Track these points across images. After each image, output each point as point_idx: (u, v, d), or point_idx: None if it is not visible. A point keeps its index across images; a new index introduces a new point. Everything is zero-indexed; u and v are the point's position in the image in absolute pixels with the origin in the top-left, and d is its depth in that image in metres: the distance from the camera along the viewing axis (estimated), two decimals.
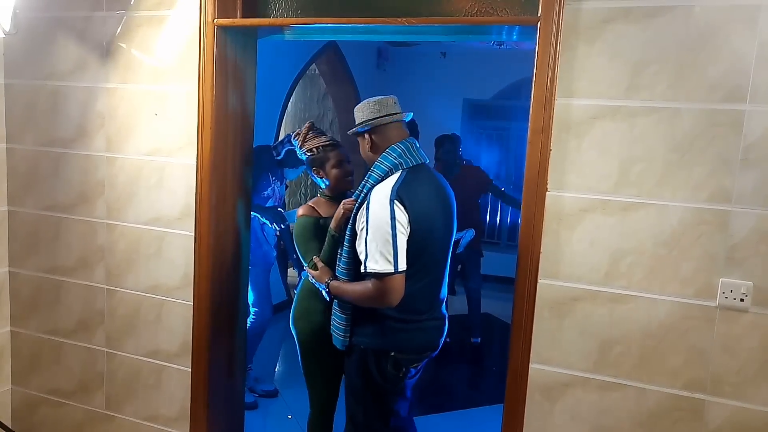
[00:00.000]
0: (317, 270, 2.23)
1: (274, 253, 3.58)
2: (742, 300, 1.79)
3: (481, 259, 4.51)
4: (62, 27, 2.53)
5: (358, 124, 2.17)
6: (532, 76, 1.91)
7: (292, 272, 5.95)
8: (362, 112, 2.15)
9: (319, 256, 2.26)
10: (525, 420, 2.04)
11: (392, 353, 2.12)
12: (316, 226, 2.33)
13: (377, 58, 6.46)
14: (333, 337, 2.23)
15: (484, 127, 6.64)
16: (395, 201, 1.97)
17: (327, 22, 2.17)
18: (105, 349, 2.64)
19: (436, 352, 2.23)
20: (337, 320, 2.19)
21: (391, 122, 2.13)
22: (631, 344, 1.92)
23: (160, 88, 2.40)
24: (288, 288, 5.42)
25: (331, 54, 5.47)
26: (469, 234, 4.04)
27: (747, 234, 1.78)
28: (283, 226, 3.39)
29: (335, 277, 2.18)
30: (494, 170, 6.42)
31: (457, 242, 3.89)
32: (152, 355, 2.55)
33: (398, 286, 1.98)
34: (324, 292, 2.20)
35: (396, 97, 2.19)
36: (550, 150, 1.92)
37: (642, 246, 1.88)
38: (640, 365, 1.91)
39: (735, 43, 1.73)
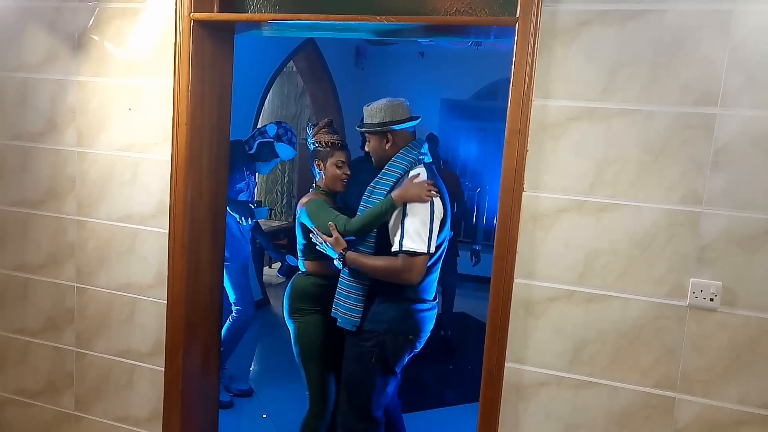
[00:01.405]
0: (332, 237, 2.27)
1: (249, 249, 3.55)
2: (711, 300, 1.83)
3: (457, 258, 4.57)
4: (32, 17, 2.46)
5: (384, 124, 2.27)
6: (510, 76, 1.92)
7: (268, 270, 5.91)
8: (384, 112, 2.28)
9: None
10: (500, 418, 2.06)
11: (410, 336, 2.25)
12: (327, 204, 2.39)
13: (355, 57, 6.46)
14: (340, 319, 2.28)
15: (462, 127, 6.67)
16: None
17: (305, 19, 2.15)
18: (75, 349, 2.58)
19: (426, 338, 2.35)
20: (351, 301, 2.25)
21: (413, 125, 2.33)
22: (605, 343, 1.95)
23: (133, 82, 2.36)
24: (264, 286, 5.37)
25: (309, 51, 5.45)
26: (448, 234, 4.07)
27: (717, 235, 1.81)
28: (251, 222, 3.38)
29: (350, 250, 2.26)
30: (471, 169, 6.46)
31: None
32: (124, 355, 2.50)
33: (424, 266, 2.16)
34: (336, 261, 2.28)
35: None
36: (527, 150, 1.94)
37: (616, 246, 1.90)
38: (614, 364, 1.94)
39: (707, 48, 1.76)
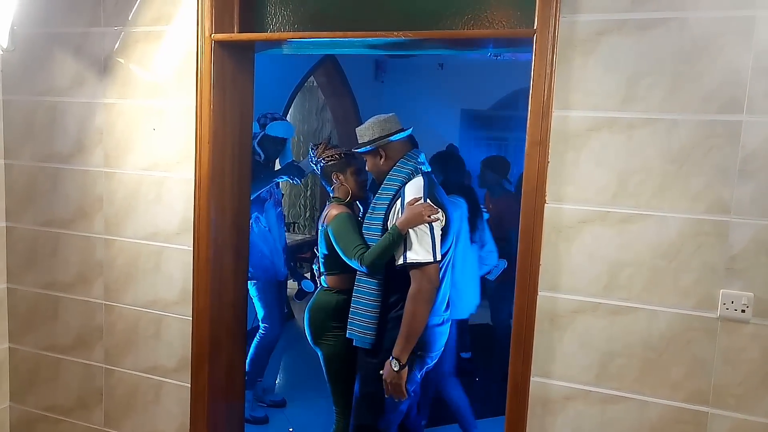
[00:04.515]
0: (389, 382, 2.20)
1: (279, 267, 3.50)
2: (743, 311, 1.78)
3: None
4: (60, 43, 2.54)
5: (373, 141, 2.28)
6: (529, 88, 1.91)
7: (291, 283, 5.92)
8: (372, 130, 2.29)
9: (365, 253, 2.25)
10: None
11: (418, 352, 2.21)
12: (354, 220, 2.40)
13: (375, 70, 6.50)
14: (356, 338, 2.27)
15: (482, 138, 6.66)
16: (428, 200, 2.18)
17: (323, 37, 2.17)
18: (103, 365, 2.62)
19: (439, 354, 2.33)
20: (364, 319, 2.25)
21: (403, 137, 2.31)
22: (632, 356, 1.91)
23: (157, 103, 2.41)
24: (288, 300, 5.38)
25: (329, 66, 5.50)
26: (503, 264, 4.01)
27: (746, 245, 1.77)
28: (301, 181, 3.38)
29: None
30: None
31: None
32: (151, 371, 2.53)
33: (436, 273, 2.14)
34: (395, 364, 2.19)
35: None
36: (548, 162, 1.92)
37: (641, 257, 1.87)
38: (642, 377, 1.90)
39: (730, 54, 1.73)
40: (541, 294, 1.98)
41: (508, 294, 4.21)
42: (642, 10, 1.80)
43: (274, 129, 3.36)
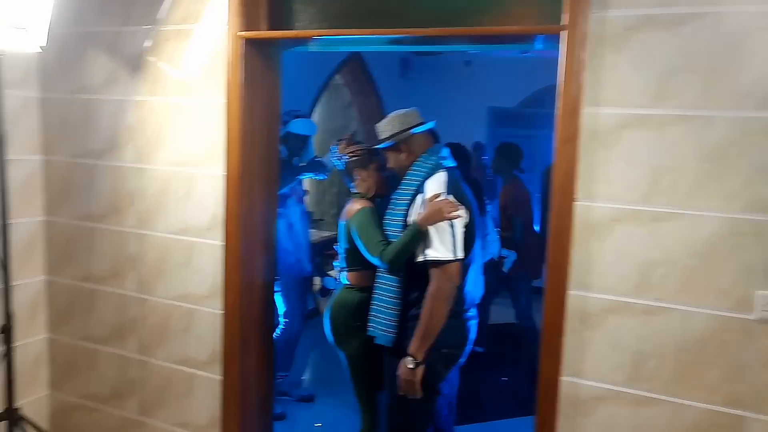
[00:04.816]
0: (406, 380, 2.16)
1: (303, 263, 3.52)
2: None
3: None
4: (94, 41, 2.59)
5: (393, 135, 2.25)
6: (558, 84, 1.88)
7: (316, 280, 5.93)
8: (391, 125, 2.25)
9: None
10: None
11: (443, 350, 2.18)
12: (376, 215, 2.38)
13: (401, 68, 6.45)
14: (378, 336, 2.25)
15: (510, 135, 6.54)
16: (450, 195, 2.13)
17: (351, 34, 2.16)
18: (138, 357, 2.69)
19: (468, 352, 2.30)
20: (385, 315, 2.23)
21: (422, 130, 2.26)
22: (665, 358, 1.87)
23: (187, 100, 2.44)
24: (314, 296, 5.39)
25: (354, 64, 5.46)
26: (513, 255, 3.99)
27: None
28: (326, 176, 3.40)
29: None
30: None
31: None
32: (183, 363, 2.59)
33: (457, 271, 2.11)
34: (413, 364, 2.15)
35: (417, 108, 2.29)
36: (579, 160, 1.89)
37: (674, 257, 1.82)
38: (677, 380, 1.86)
39: (767, 50, 1.67)
40: (572, 293, 1.95)
41: (521, 286, 4.23)
42: (675, 4, 1.74)
43: (297, 126, 3.38)
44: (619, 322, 1.91)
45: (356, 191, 2.51)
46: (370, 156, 2.48)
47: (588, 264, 1.93)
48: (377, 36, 2.13)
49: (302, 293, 3.58)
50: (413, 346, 2.12)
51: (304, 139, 3.45)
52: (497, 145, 4.38)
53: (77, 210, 2.73)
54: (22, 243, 2.70)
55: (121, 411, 2.76)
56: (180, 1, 2.39)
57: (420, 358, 2.11)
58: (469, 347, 2.30)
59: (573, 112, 1.86)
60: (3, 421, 2.46)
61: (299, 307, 3.53)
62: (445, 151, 2.29)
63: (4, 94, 2.27)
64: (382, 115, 2.28)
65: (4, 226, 2.35)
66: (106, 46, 2.56)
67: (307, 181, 3.83)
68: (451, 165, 2.27)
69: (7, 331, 2.43)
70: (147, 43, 2.48)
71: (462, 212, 2.13)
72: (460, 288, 2.19)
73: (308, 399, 3.65)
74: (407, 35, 2.08)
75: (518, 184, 4.21)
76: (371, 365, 2.44)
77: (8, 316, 2.43)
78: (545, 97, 6.13)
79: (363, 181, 2.49)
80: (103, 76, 2.59)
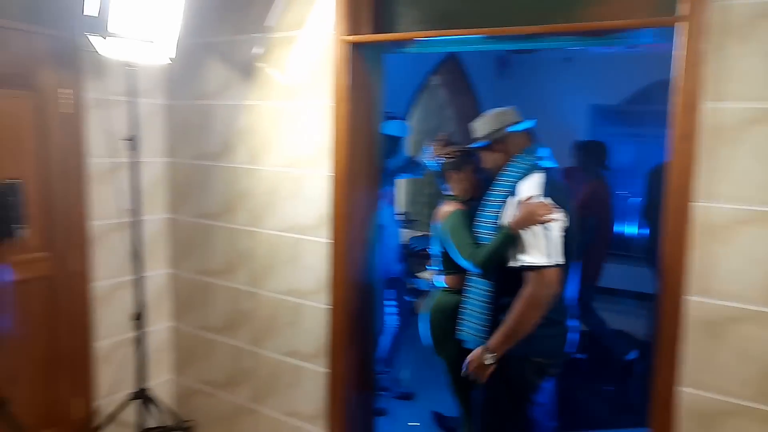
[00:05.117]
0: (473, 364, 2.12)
1: (400, 266, 3.56)
2: None
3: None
4: (211, 51, 2.77)
5: (488, 135, 2.18)
6: (672, 79, 1.78)
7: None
8: (487, 124, 2.19)
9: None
10: None
11: (534, 359, 2.09)
12: (468, 218, 2.32)
13: (498, 67, 6.31)
14: (468, 340, 2.21)
15: (614, 134, 6.21)
16: (546, 198, 2.01)
17: (453, 35, 2.16)
18: (249, 347, 2.85)
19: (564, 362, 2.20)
20: (475, 320, 2.18)
21: (519, 130, 2.17)
22: None
23: (294, 104, 2.55)
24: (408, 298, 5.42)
25: (451, 64, 5.42)
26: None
27: None
28: (421, 175, 3.40)
29: None
30: (625, 178, 5.96)
31: None
32: (291, 355, 2.71)
33: (554, 278, 1.97)
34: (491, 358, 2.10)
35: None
36: (697, 158, 1.77)
37: None
38: None
39: None
40: (692, 299, 1.84)
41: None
42: None
43: (390, 128, 3.40)
44: (747, 331, 1.78)
45: (450, 193, 2.48)
46: (465, 158, 2.42)
47: (710, 268, 1.81)
48: (476, 36, 2.11)
49: (400, 293, 3.63)
50: (494, 340, 2.04)
51: (396, 141, 3.48)
52: (578, 142, 4.18)
53: (196, 208, 2.94)
54: (150, 238, 2.95)
55: (235, 397, 2.94)
56: (288, 9, 2.50)
57: (500, 354, 2.04)
58: (558, 359, 2.20)
59: (691, 107, 1.75)
60: (136, 400, 2.71)
61: (399, 306, 3.59)
62: (542, 152, 2.19)
63: (138, 102, 2.49)
64: (478, 116, 2.24)
65: (138, 222, 2.59)
66: (221, 54, 2.74)
67: (401, 181, 3.86)
68: (551, 165, 2.17)
69: (140, 317, 2.68)
70: (257, 50, 2.61)
71: (559, 215, 2.00)
72: (559, 296, 2.06)
73: (407, 397, 3.69)
74: (507, 34, 2.03)
75: (601, 183, 4.01)
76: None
77: (141, 304, 2.69)
78: (654, 93, 5.79)
79: (457, 184, 2.44)
80: (219, 83, 2.77)
